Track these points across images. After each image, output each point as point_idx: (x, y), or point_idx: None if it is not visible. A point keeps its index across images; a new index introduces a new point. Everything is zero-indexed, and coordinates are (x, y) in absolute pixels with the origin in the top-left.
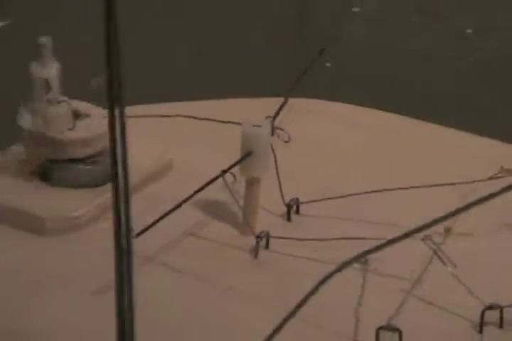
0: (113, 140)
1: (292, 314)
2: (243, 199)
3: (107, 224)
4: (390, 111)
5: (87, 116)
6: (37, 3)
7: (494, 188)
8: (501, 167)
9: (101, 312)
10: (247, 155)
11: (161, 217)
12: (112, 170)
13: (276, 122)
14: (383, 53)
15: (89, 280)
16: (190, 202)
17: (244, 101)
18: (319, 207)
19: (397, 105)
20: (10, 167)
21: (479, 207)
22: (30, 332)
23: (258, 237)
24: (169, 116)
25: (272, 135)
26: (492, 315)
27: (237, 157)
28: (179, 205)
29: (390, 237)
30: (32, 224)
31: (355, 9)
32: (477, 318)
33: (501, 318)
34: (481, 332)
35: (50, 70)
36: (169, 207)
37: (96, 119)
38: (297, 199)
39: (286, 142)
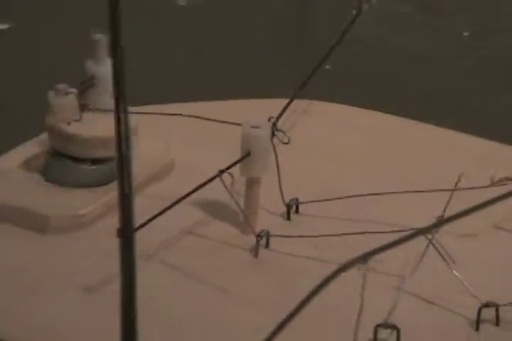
0: (119, 141)
1: (292, 315)
2: (244, 199)
3: (112, 223)
4: (388, 113)
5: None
6: (37, 5)
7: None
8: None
9: (102, 311)
10: (245, 156)
11: (159, 214)
12: (118, 169)
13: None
14: (382, 55)
15: (94, 278)
16: (190, 201)
17: (246, 103)
18: (319, 207)
19: (396, 107)
20: (15, 166)
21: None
22: (31, 332)
23: (258, 236)
24: (171, 114)
25: (273, 136)
26: (488, 313)
27: (239, 157)
28: (176, 202)
29: (390, 237)
30: (37, 223)
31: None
32: (474, 316)
33: (497, 316)
34: (477, 329)
35: (105, 67)
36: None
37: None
38: (297, 199)
39: (286, 143)
